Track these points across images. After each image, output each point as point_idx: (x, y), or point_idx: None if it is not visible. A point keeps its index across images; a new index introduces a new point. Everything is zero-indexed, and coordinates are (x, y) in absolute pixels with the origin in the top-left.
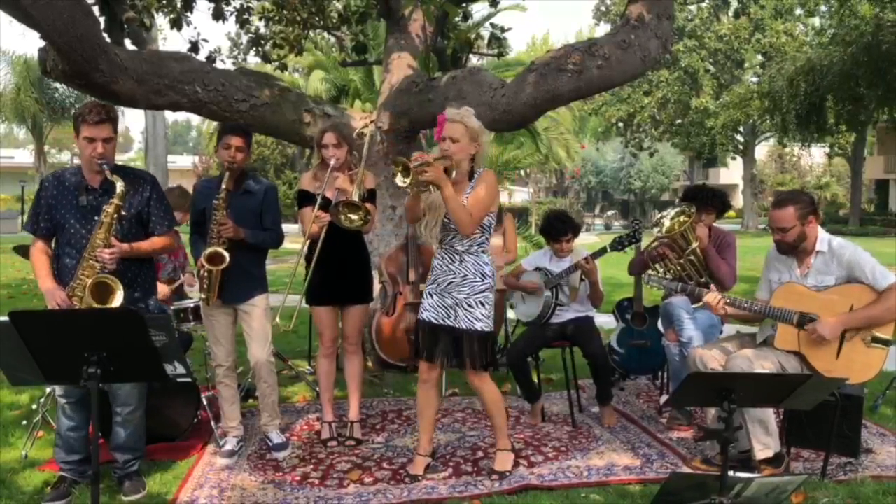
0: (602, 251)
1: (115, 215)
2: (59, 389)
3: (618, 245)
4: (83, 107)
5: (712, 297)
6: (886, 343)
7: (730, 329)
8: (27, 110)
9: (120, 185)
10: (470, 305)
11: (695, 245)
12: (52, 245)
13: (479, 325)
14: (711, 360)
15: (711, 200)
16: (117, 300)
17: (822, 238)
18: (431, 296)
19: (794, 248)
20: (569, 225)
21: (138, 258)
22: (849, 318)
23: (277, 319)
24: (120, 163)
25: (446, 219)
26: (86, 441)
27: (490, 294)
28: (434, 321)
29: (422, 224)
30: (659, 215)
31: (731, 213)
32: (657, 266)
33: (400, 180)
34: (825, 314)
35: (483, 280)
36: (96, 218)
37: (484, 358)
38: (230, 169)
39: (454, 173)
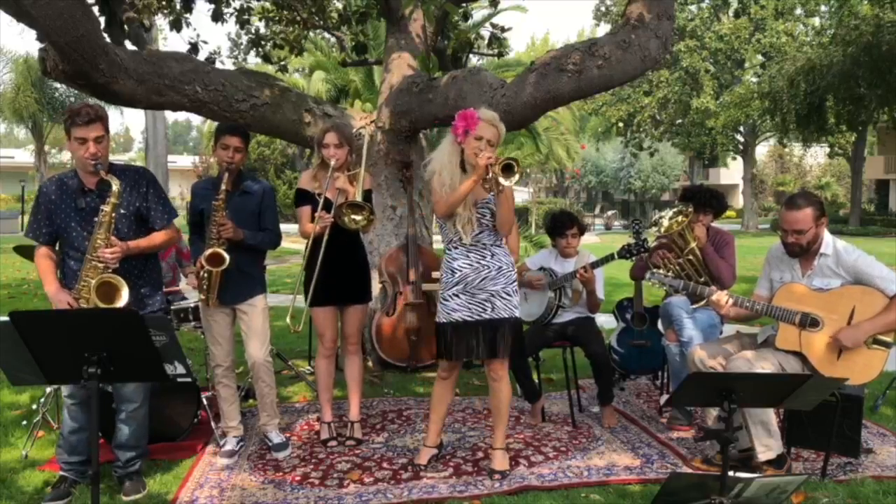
0: (609, 258)
1: (114, 214)
2: (65, 390)
3: (626, 253)
4: (71, 109)
5: (719, 295)
6: (887, 345)
7: (730, 329)
8: (27, 110)
9: (115, 184)
10: (508, 294)
11: (693, 245)
12: (56, 249)
13: (517, 313)
14: (711, 360)
15: (709, 201)
16: (123, 299)
17: (827, 240)
18: (458, 296)
19: (806, 252)
20: (574, 219)
21: (143, 254)
22: (871, 326)
23: (288, 320)
24: (115, 161)
25: (479, 214)
26: (88, 443)
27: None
28: (469, 319)
29: (457, 219)
30: (657, 215)
31: (732, 213)
32: (658, 269)
33: (505, 180)
34: (827, 314)
35: (512, 269)
36: (96, 219)
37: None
38: (228, 170)
39: None
